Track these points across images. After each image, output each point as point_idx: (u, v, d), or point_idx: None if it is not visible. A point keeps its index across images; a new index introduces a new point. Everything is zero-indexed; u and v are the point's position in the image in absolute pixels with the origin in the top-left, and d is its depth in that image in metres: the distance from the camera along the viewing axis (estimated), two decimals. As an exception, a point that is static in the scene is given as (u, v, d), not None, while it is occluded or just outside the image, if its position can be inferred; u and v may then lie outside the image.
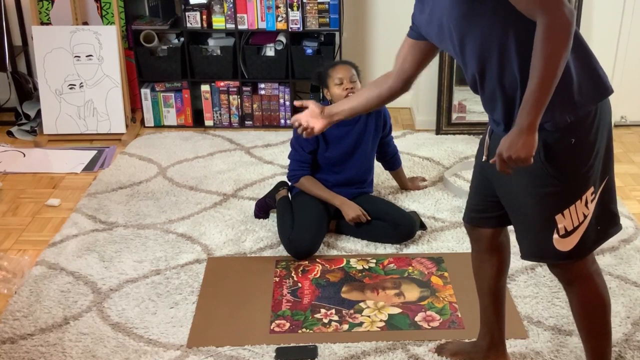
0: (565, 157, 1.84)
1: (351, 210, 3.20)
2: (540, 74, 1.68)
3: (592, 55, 1.85)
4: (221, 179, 3.87)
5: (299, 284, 2.94)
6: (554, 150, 1.83)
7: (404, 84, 2.19)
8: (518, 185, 1.93)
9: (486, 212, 2.17)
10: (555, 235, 1.92)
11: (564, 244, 1.93)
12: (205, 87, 4.54)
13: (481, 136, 2.13)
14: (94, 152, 4.26)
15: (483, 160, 2.07)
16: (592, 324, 2.11)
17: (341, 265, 3.07)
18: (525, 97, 1.72)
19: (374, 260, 3.11)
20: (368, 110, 2.25)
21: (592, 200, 1.90)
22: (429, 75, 4.43)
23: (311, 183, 3.28)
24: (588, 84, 1.82)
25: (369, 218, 3.21)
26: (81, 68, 4.34)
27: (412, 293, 2.88)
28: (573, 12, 1.67)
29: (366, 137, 3.32)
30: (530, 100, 1.71)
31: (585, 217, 1.91)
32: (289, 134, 4.38)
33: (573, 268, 2.01)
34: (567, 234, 1.92)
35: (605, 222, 1.98)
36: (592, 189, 1.89)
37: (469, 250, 3.21)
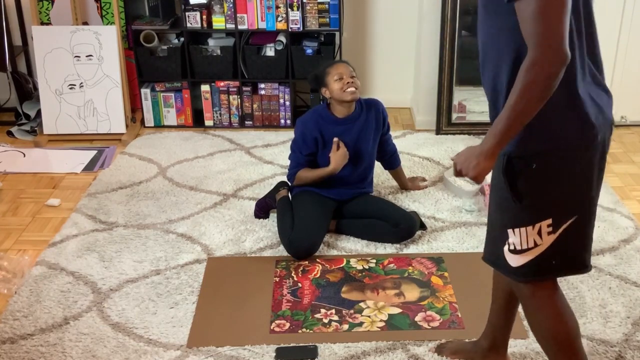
0: (523, 178, 1.81)
1: (342, 158, 3.21)
2: (513, 104, 1.65)
3: (587, 100, 1.77)
4: (221, 179, 3.87)
5: (299, 284, 2.94)
6: (513, 166, 1.80)
7: None
8: (492, 187, 1.95)
9: None
10: (506, 247, 1.91)
11: (513, 259, 1.92)
12: (205, 87, 4.54)
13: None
14: (94, 152, 4.26)
15: None
16: (542, 345, 2.08)
17: (341, 265, 3.07)
18: (495, 120, 1.72)
19: (374, 260, 3.11)
20: None
21: (548, 233, 1.85)
22: (429, 75, 4.43)
23: (305, 172, 3.29)
24: (575, 126, 1.76)
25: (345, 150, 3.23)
26: (81, 68, 4.34)
27: (412, 293, 2.88)
28: (567, 57, 1.61)
29: (367, 135, 3.32)
30: (498, 126, 1.70)
31: (536, 244, 1.86)
32: (289, 134, 4.38)
33: (521, 286, 1.99)
34: (516, 251, 1.90)
35: (563, 262, 1.92)
36: (548, 221, 1.84)
37: (469, 250, 3.22)
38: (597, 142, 1.79)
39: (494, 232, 1.98)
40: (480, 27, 1.86)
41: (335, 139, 3.20)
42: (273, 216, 3.43)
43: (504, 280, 2.13)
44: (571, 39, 1.69)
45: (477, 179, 1.77)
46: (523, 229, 1.86)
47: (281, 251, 3.17)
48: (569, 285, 2.87)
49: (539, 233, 1.85)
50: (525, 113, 1.66)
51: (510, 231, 1.88)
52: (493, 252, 1.99)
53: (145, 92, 4.55)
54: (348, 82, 3.18)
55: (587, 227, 1.91)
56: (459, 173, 1.83)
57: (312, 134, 3.24)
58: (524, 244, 1.88)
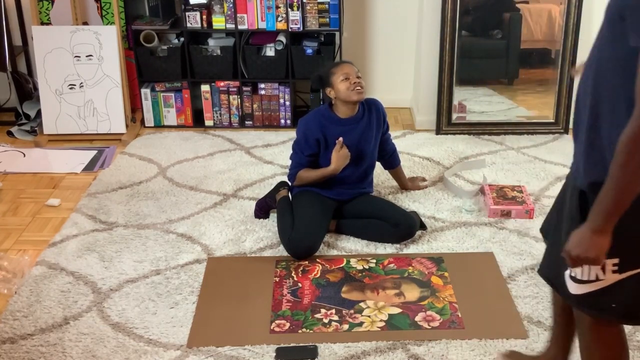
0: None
1: (344, 158, 3.21)
2: (617, 179, 1.55)
3: None
4: (221, 179, 3.87)
5: (299, 284, 2.94)
6: (588, 199, 1.72)
7: None
8: (567, 210, 1.85)
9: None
10: (567, 272, 1.85)
11: (573, 287, 1.84)
12: (205, 87, 4.54)
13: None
14: (94, 152, 4.26)
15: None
16: None
17: (341, 265, 3.07)
18: (600, 194, 1.61)
19: (374, 260, 3.11)
20: None
21: (613, 271, 1.75)
22: (429, 75, 4.44)
23: (305, 173, 3.28)
24: None
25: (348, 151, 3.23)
26: (81, 68, 4.34)
27: (412, 293, 2.88)
28: None
29: (369, 136, 3.32)
30: (604, 200, 1.60)
31: (598, 278, 1.77)
32: (289, 134, 4.38)
33: (582, 315, 1.90)
34: (577, 280, 1.82)
35: (624, 310, 1.81)
36: (615, 260, 1.74)
37: (469, 250, 3.22)
38: None
39: (557, 252, 1.85)
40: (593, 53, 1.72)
41: (340, 139, 3.20)
42: (273, 216, 3.43)
43: (561, 299, 2.07)
44: None
45: (598, 259, 1.66)
46: None
47: (281, 251, 3.17)
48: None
49: (603, 268, 1.76)
50: (632, 185, 1.55)
51: None
52: (553, 270, 1.92)
53: (145, 92, 4.55)
54: (355, 82, 3.19)
55: None
56: (576, 261, 1.69)
57: (315, 135, 3.24)
58: (585, 275, 1.79)
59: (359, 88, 3.19)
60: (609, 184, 1.58)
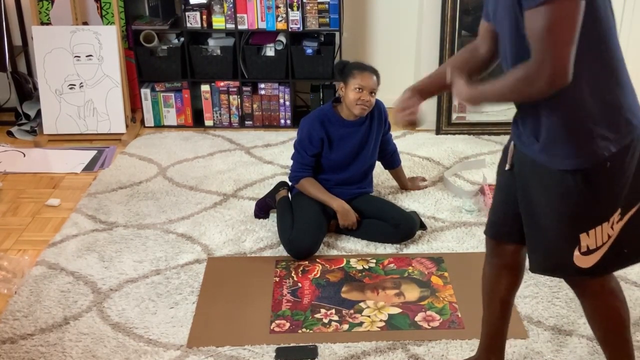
0: (600, 180, 1.82)
1: (346, 218, 3.21)
2: (500, 93, 1.79)
3: (632, 90, 1.85)
4: (221, 179, 3.87)
5: (299, 284, 2.94)
6: (591, 173, 1.81)
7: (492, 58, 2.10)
8: (546, 201, 1.90)
9: (512, 227, 2.08)
10: (577, 252, 1.89)
11: (584, 261, 1.90)
12: (205, 87, 4.54)
13: (505, 144, 2.10)
14: (94, 152, 4.26)
15: (506, 168, 2.04)
16: (604, 337, 2.10)
17: (341, 265, 3.07)
18: (488, 86, 1.83)
19: (374, 260, 3.11)
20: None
21: (617, 222, 1.88)
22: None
23: (310, 184, 3.27)
24: (636, 118, 1.83)
25: (354, 228, 3.24)
26: (81, 68, 4.34)
27: (412, 293, 2.88)
28: (566, 81, 1.65)
29: (370, 137, 3.32)
30: (485, 94, 1.84)
31: (609, 237, 1.88)
32: (289, 134, 4.38)
33: (589, 283, 1.99)
34: (589, 252, 1.89)
35: (634, 248, 1.95)
36: (619, 211, 1.87)
37: (469, 250, 3.22)
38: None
39: (554, 244, 1.93)
40: (501, 38, 1.88)
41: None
42: (273, 216, 3.43)
43: (501, 289, 2.19)
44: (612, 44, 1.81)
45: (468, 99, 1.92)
46: (599, 228, 1.86)
47: (281, 251, 3.17)
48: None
49: (612, 225, 1.87)
50: (508, 101, 1.81)
51: (583, 235, 1.87)
52: (556, 262, 1.96)
53: (145, 92, 4.55)
54: (363, 99, 3.15)
55: None
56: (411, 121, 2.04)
57: (319, 134, 3.23)
58: (599, 241, 1.88)
59: (364, 107, 3.18)
60: (493, 89, 1.81)
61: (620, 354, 2.11)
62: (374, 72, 3.21)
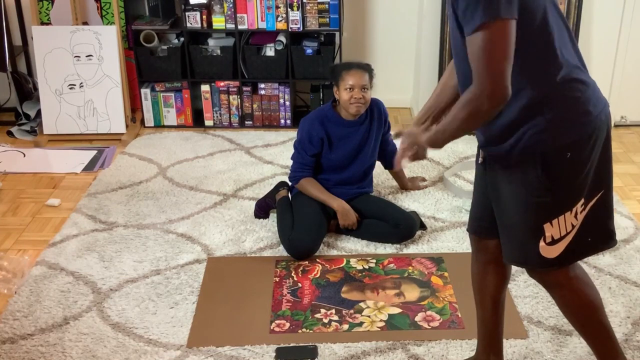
0: (561, 170, 1.87)
1: (346, 218, 3.21)
2: (453, 129, 1.85)
3: (592, 82, 1.90)
4: (221, 179, 3.87)
5: (299, 284, 2.94)
6: (551, 163, 1.86)
7: None
8: (510, 192, 1.95)
9: (491, 222, 2.11)
10: (542, 243, 1.94)
11: (550, 251, 1.95)
12: (205, 87, 4.54)
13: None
14: (94, 152, 4.26)
15: (480, 162, 2.08)
16: (579, 326, 2.12)
17: (341, 265, 3.07)
18: (443, 125, 1.89)
19: (374, 260, 3.11)
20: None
21: (581, 212, 1.93)
22: (429, 75, 4.44)
23: (310, 184, 3.28)
24: (596, 109, 1.88)
25: (355, 228, 3.24)
26: (81, 68, 4.34)
27: (412, 293, 2.88)
28: (507, 96, 1.71)
29: (370, 137, 3.32)
30: (445, 133, 1.89)
31: (573, 227, 1.93)
32: (289, 134, 4.38)
33: (551, 274, 2.03)
34: (554, 242, 1.94)
35: (597, 236, 2.00)
36: (582, 201, 1.92)
37: (469, 250, 3.20)
38: (609, 117, 1.93)
39: (521, 234, 1.98)
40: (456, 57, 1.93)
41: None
42: (273, 216, 3.43)
43: (490, 286, 2.22)
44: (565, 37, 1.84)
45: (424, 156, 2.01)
46: (562, 217, 1.91)
47: (281, 251, 3.17)
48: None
49: (575, 215, 1.92)
50: (465, 130, 1.86)
51: (547, 225, 1.92)
52: (522, 253, 2.00)
53: (145, 92, 4.55)
54: (355, 97, 3.16)
55: (610, 195, 2.00)
56: (414, 157, 2.01)
57: (319, 134, 3.23)
58: (562, 231, 1.92)
59: (359, 104, 3.17)
60: (447, 126, 1.87)
61: (601, 340, 2.12)
62: (362, 67, 3.22)
